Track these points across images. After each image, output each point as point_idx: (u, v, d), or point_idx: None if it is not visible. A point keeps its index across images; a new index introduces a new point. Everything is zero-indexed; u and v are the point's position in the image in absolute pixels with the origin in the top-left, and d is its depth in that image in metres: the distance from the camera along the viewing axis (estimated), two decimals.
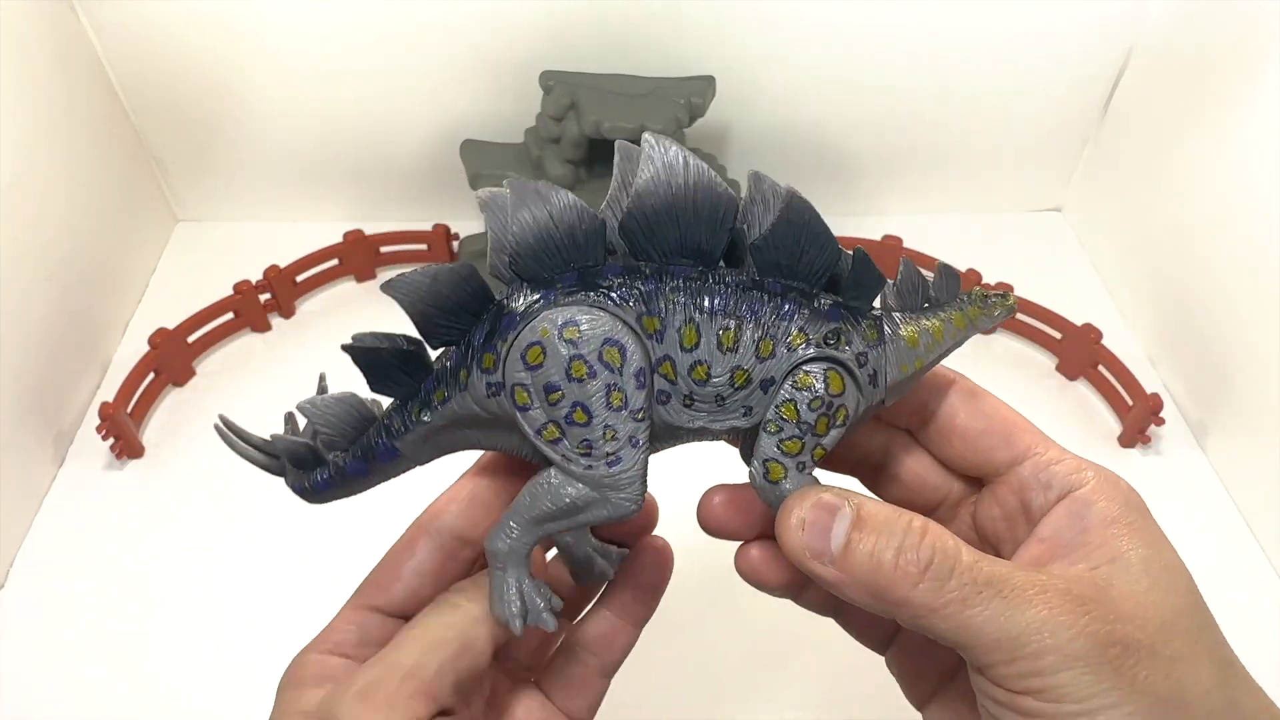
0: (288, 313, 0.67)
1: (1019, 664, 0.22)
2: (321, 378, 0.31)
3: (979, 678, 0.24)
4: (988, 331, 0.25)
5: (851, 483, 0.30)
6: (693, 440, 0.28)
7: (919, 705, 0.30)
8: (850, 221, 0.73)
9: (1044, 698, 0.22)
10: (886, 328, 0.27)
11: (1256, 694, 0.24)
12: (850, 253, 0.26)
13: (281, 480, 0.30)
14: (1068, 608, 0.22)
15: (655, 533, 0.33)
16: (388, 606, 0.29)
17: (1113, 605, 0.23)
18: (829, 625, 0.32)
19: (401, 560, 0.29)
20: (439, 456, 0.29)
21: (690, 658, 0.48)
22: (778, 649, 0.49)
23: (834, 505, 0.24)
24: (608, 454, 0.25)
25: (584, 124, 0.57)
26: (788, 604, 0.31)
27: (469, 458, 0.30)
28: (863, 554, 0.23)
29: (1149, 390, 0.58)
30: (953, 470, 0.30)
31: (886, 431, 0.31)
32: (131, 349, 0.62)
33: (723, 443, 0.28)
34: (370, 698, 0.24)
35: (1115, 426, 0.60)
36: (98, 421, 0.54)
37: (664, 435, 0.27)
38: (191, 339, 0.61)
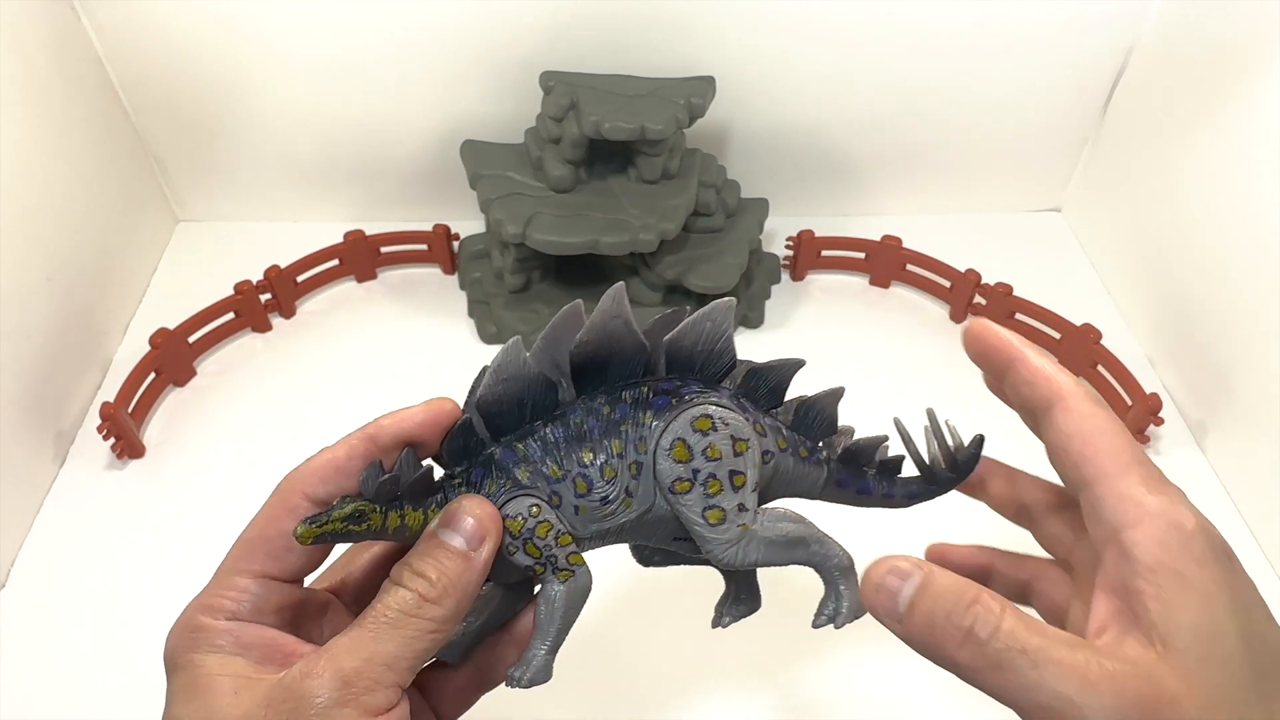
0: (288, 313, 0.67)
1: None
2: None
3: None
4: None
5: None
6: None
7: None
8: (850, 221, 0.73)
9: None
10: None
11: None
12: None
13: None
14: (1107, 689, 0.23)
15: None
16: (282, 574, 0.30)
17: (1160, 688, 0.23)
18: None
19: (286, 525, 0.29)
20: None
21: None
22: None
23: (906, 571, 0.27)
24: None
25: (584, 124, 0.57)
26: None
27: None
28: (921, 615, 0.26)
29: (1148, 390, 0.58)
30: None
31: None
32: (132, 349, 0.62)
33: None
34: (354, 684, 0.26)
35: None
36: (98, 421, 0.54)
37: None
38: (192, 339, 0.61)
